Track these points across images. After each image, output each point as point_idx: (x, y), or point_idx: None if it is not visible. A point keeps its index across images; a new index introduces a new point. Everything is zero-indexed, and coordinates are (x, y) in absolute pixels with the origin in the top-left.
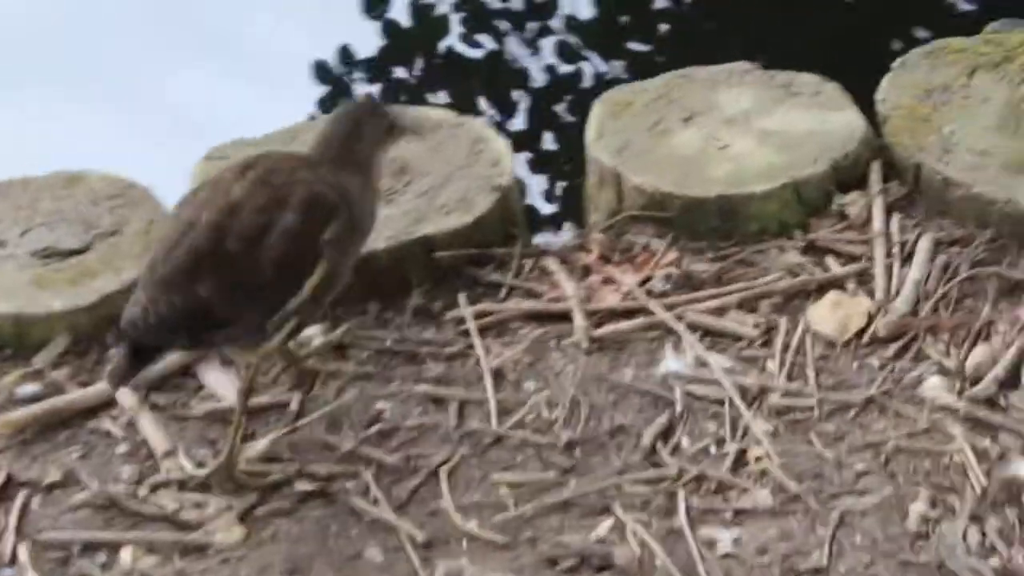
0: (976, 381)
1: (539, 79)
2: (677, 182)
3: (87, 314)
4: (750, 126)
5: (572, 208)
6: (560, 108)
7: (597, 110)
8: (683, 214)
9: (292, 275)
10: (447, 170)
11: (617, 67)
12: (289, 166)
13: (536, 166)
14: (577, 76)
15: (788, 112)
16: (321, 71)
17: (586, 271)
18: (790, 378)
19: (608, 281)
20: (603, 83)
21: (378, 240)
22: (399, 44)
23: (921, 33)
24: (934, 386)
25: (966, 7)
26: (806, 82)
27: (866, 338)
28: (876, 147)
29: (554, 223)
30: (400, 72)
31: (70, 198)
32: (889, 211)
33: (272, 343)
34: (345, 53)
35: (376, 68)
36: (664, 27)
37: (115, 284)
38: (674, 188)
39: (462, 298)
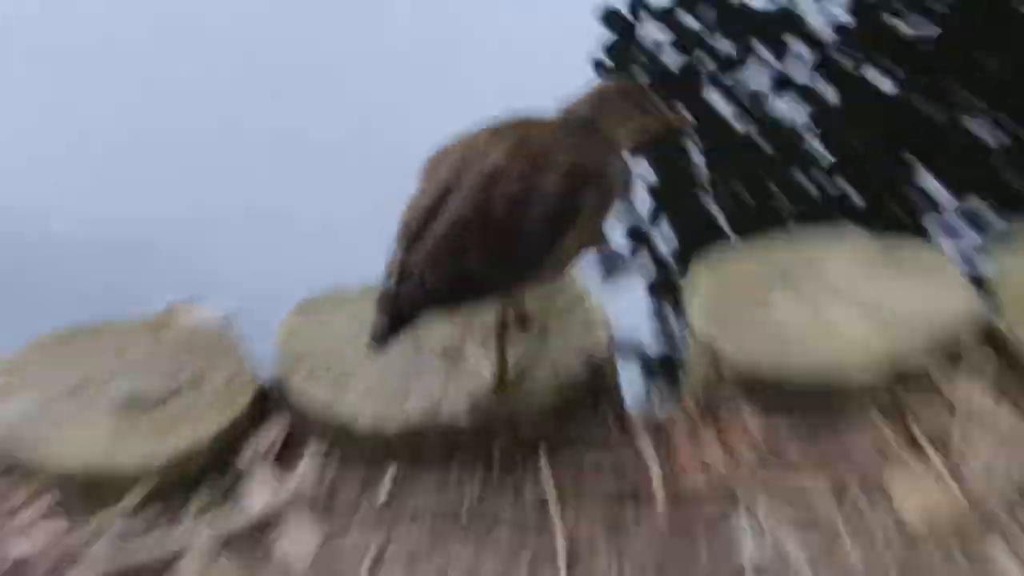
0: None
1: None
2: (775, 361)
3: (164, 469)
4: (853, 297)
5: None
6: None
7: (700, 270)
8: (778, 393)
9: (550, 239)
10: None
11: None
12: (541, 133)
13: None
14: None
15: (893, 283)
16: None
17: (674, 442)
18: (872, 571)
19: (695, 454)
20: None
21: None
22: None
23: None
24: None
25: None
26: (913, 251)
27: (954, 529)
28: (983, 328)
29: (654, 374)
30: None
31: (157, 344)
32: (998, 397)
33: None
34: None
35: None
36: None
37: (189, 441)
38: (771, 368)
39: (544, 467)
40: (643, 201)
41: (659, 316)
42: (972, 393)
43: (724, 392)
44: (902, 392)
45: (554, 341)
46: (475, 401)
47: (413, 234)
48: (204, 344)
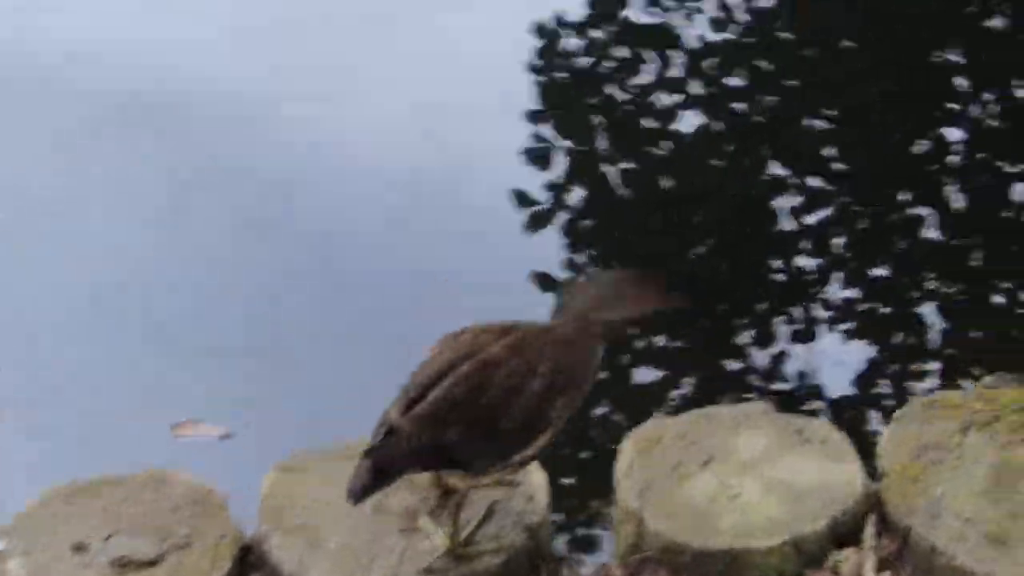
0: None
1: None
2: (690, 532)
3: None
4: (761, 473)
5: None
6: None
7: (628, 446)
8: (693, 561)
9: (526, 434)
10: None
11: None
12: (538, 339)
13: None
14: None
15: (798, 460)
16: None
17: None
18: None
19: None
20: None
21: None
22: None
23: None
24: None
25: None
26: (817, 429)
27: None
28: (874, 500)
29: (583, 539)
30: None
31: (154, 503)
32: (880, 567)
33: (482, 479)
34: None
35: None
36: None
37: None
38: (687, 538)
39: None
40: None
41: (589, 486)
42: (860, 564)
43: (646, 558)
44: (800, 562)
45: (500, 508)
46: (430, 565)
47: (411, 400)
48: (197, 502)
